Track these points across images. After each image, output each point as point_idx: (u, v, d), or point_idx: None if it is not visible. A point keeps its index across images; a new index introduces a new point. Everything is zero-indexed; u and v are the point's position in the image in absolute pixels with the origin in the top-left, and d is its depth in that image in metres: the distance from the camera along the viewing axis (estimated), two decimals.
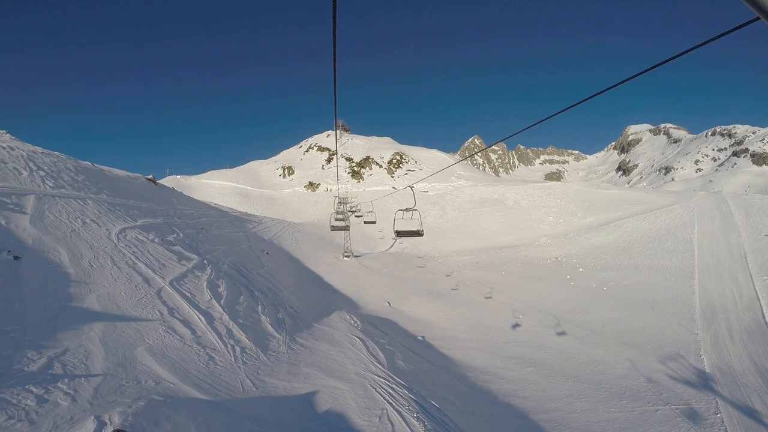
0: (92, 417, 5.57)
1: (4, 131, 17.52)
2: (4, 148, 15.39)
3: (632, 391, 13.36)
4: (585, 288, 25.91)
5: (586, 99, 4.74)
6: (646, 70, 3.92)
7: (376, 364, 12.21)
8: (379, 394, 9.75)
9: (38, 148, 17.93)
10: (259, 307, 14.68)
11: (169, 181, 72.60)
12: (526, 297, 24.68)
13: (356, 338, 14.56)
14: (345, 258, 34.23)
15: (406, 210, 14.60)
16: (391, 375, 11.43)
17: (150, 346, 9.02)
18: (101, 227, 14.14)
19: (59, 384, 6.32)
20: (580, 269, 30.72)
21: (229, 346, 10.79)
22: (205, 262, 16.37)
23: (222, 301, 13.42)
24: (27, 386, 5.92)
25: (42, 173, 15.68)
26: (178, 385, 7.93)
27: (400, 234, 16.13)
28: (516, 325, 19.86)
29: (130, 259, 13.09)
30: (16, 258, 9.21)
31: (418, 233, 16.22)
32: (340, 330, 15.40)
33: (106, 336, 8.51)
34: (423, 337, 17.92)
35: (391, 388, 10.29)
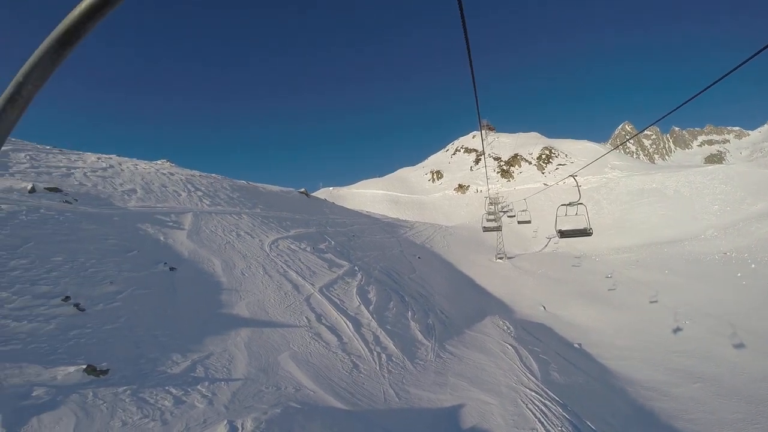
0: (225, 421, 5.66)
1: (165, 159, 20.93)
2: (164, 174, 18.34)
3: None
4: (759, 288, 23.06)
5: (740, 65, 4.41)
6: None
7: (529, 375, 11.44)
8: (530, 411, 9.10)
9: (196, 172, 21.05)
10: (409, 313, 14.44)
11: (321, 193, 79.87)
12: (692, 299, 22.82)
13: (509, 346, 13.90)
14: (498, 260, 34.56)
15: (569, 205, 12.79)
16: (544, 389, 10.61)
17: (294, 353, 9.28)
18: (255, 238, 15.63)
19: (198, 387, 6.70)
20: (752, 265, 27.03)
21: (375, 353, 10.62)
22: (355, 268, 16.89)
23: (371, 307, 13.51)
24: (167, 387, 6.38)
25: (200, 193, 18.26)
26: (318, 392, 7.88)
27: (564, 234, 13.68)
28: (680, 331, 18.68)
29: (282, 267, 14.08)
30: (171, 269, 10.50)
31: (585, 232, 13.27)
32: (491, 337, 14.85)
33: (252, 342, 8.99)
34: (580, 344, 17.29)
35: (544, 405, 9.53)
